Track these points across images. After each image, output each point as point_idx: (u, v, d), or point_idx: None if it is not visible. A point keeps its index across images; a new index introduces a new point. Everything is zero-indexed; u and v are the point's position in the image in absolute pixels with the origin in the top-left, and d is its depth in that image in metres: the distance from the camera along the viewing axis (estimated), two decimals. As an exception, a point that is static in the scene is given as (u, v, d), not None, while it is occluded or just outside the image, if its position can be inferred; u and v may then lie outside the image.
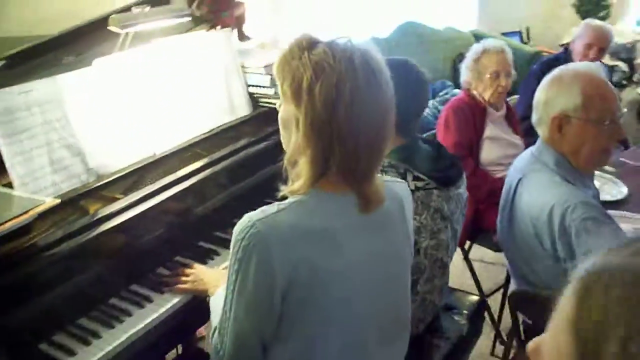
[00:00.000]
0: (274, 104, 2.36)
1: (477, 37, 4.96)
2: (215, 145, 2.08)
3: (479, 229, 2.80)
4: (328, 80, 1.14)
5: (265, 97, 2.33)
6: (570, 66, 1.85)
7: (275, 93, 2.31)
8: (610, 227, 1.64)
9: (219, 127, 2.16)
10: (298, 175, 1.22)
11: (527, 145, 3.00)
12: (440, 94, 4.42)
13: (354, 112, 1.16)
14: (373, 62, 1.19)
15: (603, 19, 5.71)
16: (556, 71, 1.83)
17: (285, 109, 1.24)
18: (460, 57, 4.61)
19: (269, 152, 2.17)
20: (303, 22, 3.53)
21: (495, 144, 2.82)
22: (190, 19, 2.12)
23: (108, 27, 1.82)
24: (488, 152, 2.81)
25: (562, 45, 4.96)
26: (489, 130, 2.81)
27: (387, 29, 4.28)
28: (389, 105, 1.23)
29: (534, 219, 1.75)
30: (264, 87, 2.32)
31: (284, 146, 1.30)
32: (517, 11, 5.52)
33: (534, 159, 1.87)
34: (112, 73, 1.82)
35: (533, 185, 1.79)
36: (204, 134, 2.10)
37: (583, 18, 5.84)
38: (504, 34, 5.32)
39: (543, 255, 1.76)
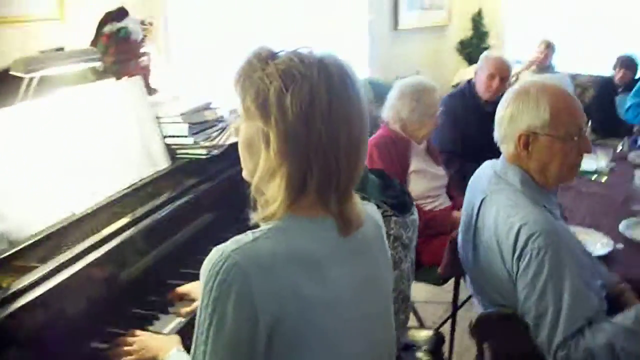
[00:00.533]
0: (194, 154, 2.24)
1: (373, 84, 5.04)
2: (137, 202, 1.89)
3: (417, 264, 2.72)
4: (300, 88, 1.02)
5: (184, 148, 2.17)
6: (536, 80, 1.79)
7: (195, 142, 2.16)
8: (567, 266, 1.58)
9: (138, 181, 1.97)
10: (271, 198, 1.08)
11: (449, 177, 3.02)
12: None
13: (333, 122, 1.04)
14: (347, 66, 1.10)
15: (484, 60, 5.99)
16: (521, 85, 1.76)
17: (249, 128, 1.10)
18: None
19: (193, 207, 2.02)
20: (199, 74, 3.40)
21: (421, 177, 2.79)
22: (101, 63, 1.94)
23: (10, 72, 1.61)
24: (415, 186, 2.77)
25: (454, 85, 5.14)
26: (414, 164, 2.78)
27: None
28: (366, 113, 1.13)
29: (501, 241, 1.67)
30: (182, 137, 2.16)
31: (245, 172, 1.17)
32: (405, 57, 5.70)
33: (497, 178, 1.78)
34: (20, 124, 1.61)
35: (499, 206, 1.70)
36: (124, 189, 1.90)
37: (467, 60, 6.15)
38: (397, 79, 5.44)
39: (504, 275, 1.68)
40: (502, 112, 1.76)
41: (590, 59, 5.70)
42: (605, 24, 5.67)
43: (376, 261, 1.21)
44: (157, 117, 2.13)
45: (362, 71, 5.27)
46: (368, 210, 1.24)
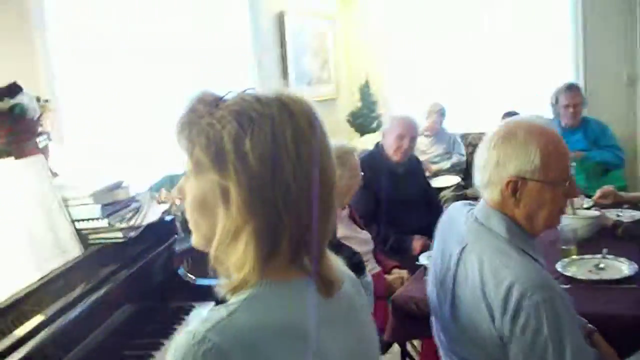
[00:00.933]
0: (108, 238, 2.00)
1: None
2: (47, 298, 1.63)
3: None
4: (260, 129, 0.89)
5: (97, 232, 1.93)
6: (521, 120, 1.67)
7: (109, 225, 1.93)
8: (565, 321, 1.47)
9: (47, 274, 1.71)
10: (238, 264, 0.91)
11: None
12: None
13: (302, 165, 0.91)
14: (308, 102, 0.97)
15: (375, 129, 6.13)
16: (505, 127, 1.63)
17: (201, 184, 0.94)
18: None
19: (111, 298, 1.78)
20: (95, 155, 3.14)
21: (349, 244, 2.67)
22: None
23: None
24: (344, 252, 2.65)
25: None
26: (341, 231, 2.66)
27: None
28: (334, 155, 1.00)
29: (488, 296, 1.52)
30: (93, 219, 1.92)
31: (197, 239, 1.00)
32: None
33: (477, 225, 1.63)
34: None
35: (484, 257, 1.56)
36: (31, 284, 1.63)
37: (359, 130, 6.23)
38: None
39: (492, 334, 1.53)
40: (485, 156, 1.62)
41: (476, 118, 5.95)
42: (487, 85, 5.97)
43: (362, 320, 1.08)
44: (64, 200, 1.89)
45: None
46: (341, 267, 1.10)
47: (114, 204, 1.99)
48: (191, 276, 2.25)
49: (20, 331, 1.44)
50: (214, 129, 0.89)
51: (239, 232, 0.90)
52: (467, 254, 1.60)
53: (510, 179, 1.57)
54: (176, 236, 2.22)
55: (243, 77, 4.90)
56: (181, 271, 2.25)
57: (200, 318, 0.88)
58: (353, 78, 6.43)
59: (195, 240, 1.00)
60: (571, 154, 3.72)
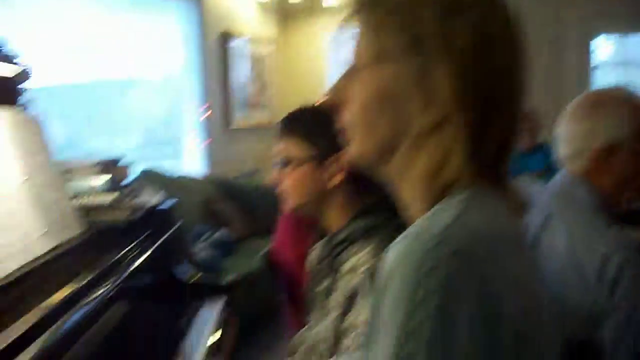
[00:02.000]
0: (113, 218, 1.56)
1: (217, 183, 4.60)
2: (37, 290, 1.17)
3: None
4: (470, 9, 0.76)
5: (101, 209, 1.51)
6: (607, 90, 1.60)
7: (118, 199, 1.51)
8: None
9: (34, 259, 1.24)
10: (434, 166, 0.76)
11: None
12: (202, 238, 3.87)
13: (514, 53, 0.78)
14: None
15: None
16: (592, 96, 1.57)
17: (385, 73, 0.78)
18: (206, 203, 4.19)
19: (119, 291, 1.35)
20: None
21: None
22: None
23: None
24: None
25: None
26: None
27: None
28: None
29: (579, 267, 1.43)
30: (98, 193, 1.50)
31: (367, 146, 0.81)
32: (247, 154, 5.42)
33: (563, 194, 1.57)
34: None
35: (572, 227, 1.48)
36: (13, 272, 1.16)
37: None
38: (242, 174, 5.11)
39: (582, 308, 1.42)
40: (571, 127, 1.56)
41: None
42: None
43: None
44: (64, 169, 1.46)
45: (196, 169, 4.82)
46: None
47: (115, 180, 1.59)
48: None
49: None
50: (409, 13, 0.76)
51: (443, 125, 0.75)
52: (551, 224, 1.53)
53: (599, 147, 1.52)
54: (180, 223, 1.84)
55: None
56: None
57: (419, 224, 0.71)
58: (292, 104, 6.22)
59: (363, 149, 0.81)
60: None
